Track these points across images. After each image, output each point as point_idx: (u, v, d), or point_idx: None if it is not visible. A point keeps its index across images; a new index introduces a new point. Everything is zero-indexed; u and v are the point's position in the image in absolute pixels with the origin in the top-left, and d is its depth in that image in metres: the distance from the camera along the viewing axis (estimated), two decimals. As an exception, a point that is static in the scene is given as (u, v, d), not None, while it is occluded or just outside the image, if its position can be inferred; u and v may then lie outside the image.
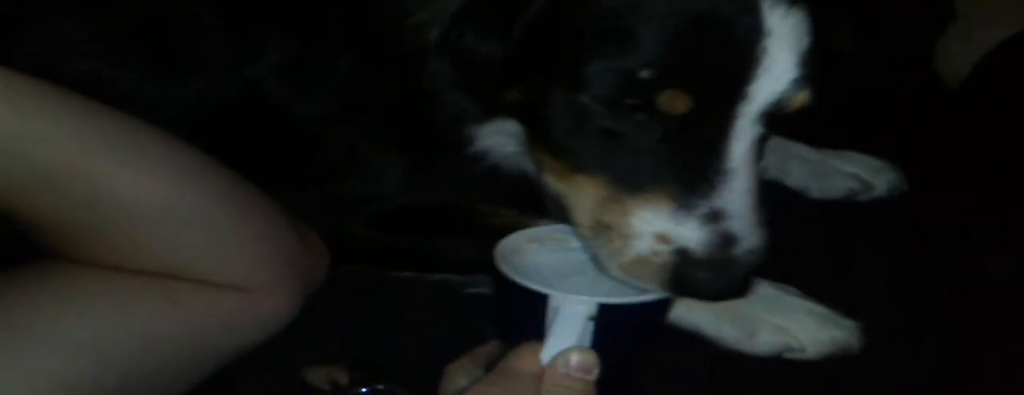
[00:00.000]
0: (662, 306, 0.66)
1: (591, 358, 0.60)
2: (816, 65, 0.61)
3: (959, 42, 1.12)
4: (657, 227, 0.62)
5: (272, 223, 0.77)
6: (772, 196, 0.94)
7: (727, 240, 0.62)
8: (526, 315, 0.63)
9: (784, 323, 0.77)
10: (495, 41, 0.67)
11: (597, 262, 0.67)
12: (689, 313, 0.79)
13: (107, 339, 0.67)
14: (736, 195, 0.61)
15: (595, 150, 0.64)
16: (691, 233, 0.61)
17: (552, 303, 0.62)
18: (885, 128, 1.04)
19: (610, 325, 0.62)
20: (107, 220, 0.69)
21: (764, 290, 0.79)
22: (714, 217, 0.61)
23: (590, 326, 0.62)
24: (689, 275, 0.62)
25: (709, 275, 0.62)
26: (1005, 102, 1.01)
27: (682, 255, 0.62)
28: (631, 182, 0.63)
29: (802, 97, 0.61)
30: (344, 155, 0.83)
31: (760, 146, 0.64)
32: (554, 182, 0.69)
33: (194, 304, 0.72)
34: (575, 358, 0.60)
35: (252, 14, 0.82)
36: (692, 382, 0.77)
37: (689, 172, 0.61)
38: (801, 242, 0.91)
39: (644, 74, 0.59)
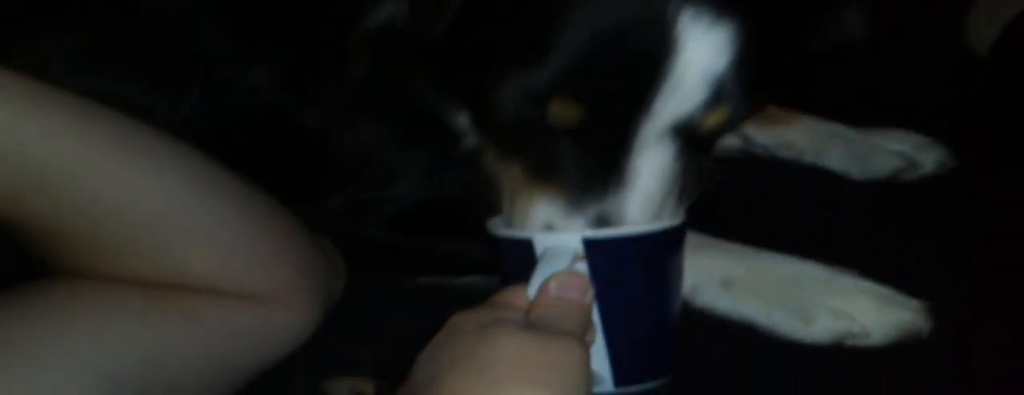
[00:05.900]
0: (663, 238, 0.61)
1: (580, 279, 0.56)
2: (744, 82, 0.59)
3: (986, 15, 1.08)
4: (546, 216, 0.63)
5: (287, 231, 0.73)
6: (812, 180, 0.93)
7: None
8: (520, 269, 0.59)
9: (843, 306, 0.71)
10: (427, 23, 0.66)
11: None
12: (737, 303, 0.73)
13: (118, 359, 0.63)
14: (630, 203, 0.61)
15: (513, 138, 0.65)
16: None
17: (539, 247, 0.59)
18: (923, 106, 0.99)
19: (605, 263, 0.58)
20: (112, 227, 0.66)
21: (816, 272, 0.74)
22: (601, 221, 0.61)
23: (582, 267, 0.58)
24: None
25: None
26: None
27: None
28: (540, 171, 0.63)
29: (717, 117, 0.60)
30: (357, 158, 0.79)
31: (693, 156, 0.63)
32: (488, 161, 0.69)
33: (210, 318, 0.68)
34: (563, 278, 0.55)
35: (250, 18, 0.79)
36: (745, 378, 0.71)
37: (588, 174, 0.61)
38: (849, 227, 0.85)
39: (539, 82, 0.59)
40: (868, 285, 0.73)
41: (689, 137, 0.61)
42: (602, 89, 0.58)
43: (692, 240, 0.65)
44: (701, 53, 0.57)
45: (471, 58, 0.64)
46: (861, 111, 0.95)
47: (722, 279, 0.73)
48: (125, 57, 0.79)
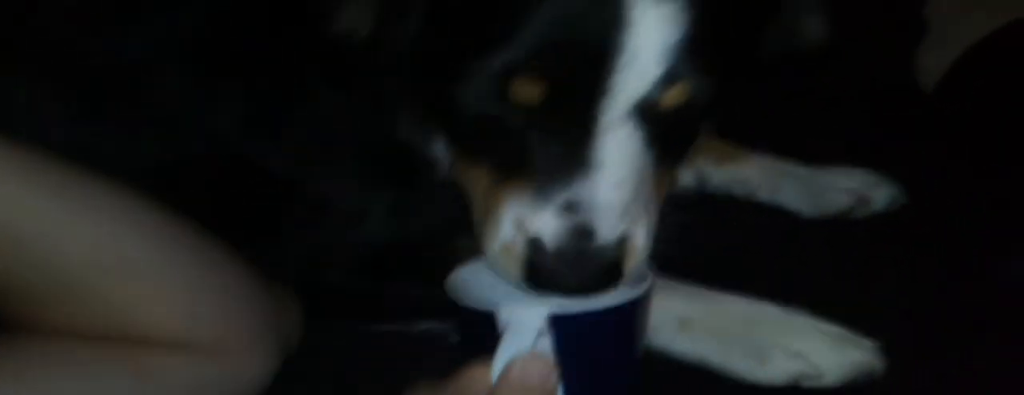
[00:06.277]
0: (628, 312, 0.60)
1: (543, 363, 0.55)
2: (698, 58, 0.59)
3: (935, 53, 1.10)
4: (516, 212, 0.62)
5: (241, 281, 0.72)
6: (765, 217, 0.94)
7: (581, 233, 0.61)
8: (482, 338, 0.58)
9: (797, 347, 0.72)
10: (399, 26, 0.66)
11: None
12: (693, 344, 0.74)
13: None
14: (599, 188, 0.60)
15: (479, 139, 0.64)
16: (543, 222, 0.61)
17: (502, 319, 0.57)
18: (872, 143, 1.01)
19: (569, 337, 0.57)
20: (59, 280, 0.65)
21: (770, 313, 0.74)
22: (570, 208, 0.60)
23: (546, 342, 0.57)
24: (540, 265, 0.61)
25: (558, 267, 0.61)
26: (979, 104, 1.00)
27: (534, 245, 0.61)
28: (506, 169, 0.63)
29: (674, 94, 0.60)
30: (320, 200, 0.78)
31: (664, 148, 0.63)
32: (459, 175, 0.69)
33: (161, 372, 0.66)
34: (526, 363, 0.55)
35: (211, 63, 0.79)
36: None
37: (552, 161, 0.61)
38: (802, 264, 0.86)
39: (501, 62, 0.59)
40: (822, 325, 0.74)
41: (655, 122, 0.61)
42: (562, 66, 0.58)
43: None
44: (652, 27, 0.58)
45: (437, 58, 0.64)
46: (810, 147, 0.97)
47: (678, 320, 0.74)
48: (85, 103, 0.77)
